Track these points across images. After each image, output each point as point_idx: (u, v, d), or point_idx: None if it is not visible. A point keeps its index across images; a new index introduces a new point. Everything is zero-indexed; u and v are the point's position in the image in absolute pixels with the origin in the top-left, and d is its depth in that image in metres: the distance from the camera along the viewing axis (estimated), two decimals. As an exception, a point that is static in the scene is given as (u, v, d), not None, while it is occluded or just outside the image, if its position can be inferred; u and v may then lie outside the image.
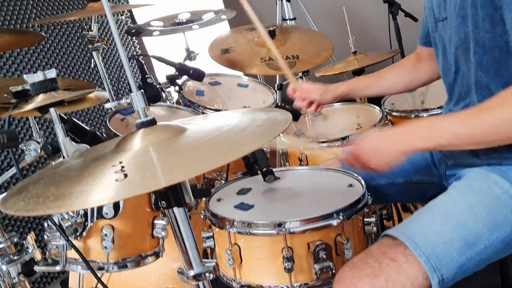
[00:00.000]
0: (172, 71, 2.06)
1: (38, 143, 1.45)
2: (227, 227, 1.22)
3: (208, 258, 1.26)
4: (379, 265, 1.08)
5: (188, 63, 2.26)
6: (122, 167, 0.84)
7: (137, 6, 2.91)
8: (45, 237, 1.27)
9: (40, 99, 1.21)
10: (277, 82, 2.82)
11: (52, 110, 1.26)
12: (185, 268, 1.02)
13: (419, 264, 1.08)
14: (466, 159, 1.27)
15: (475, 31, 1.14)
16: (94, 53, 2.32)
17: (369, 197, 1.28)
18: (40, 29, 2.70)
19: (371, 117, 1.97)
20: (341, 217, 1.18)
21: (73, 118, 1.48)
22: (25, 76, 1.23)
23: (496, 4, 1.08)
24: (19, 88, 1.37)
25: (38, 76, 1.22)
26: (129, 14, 3.28)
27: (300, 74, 2.68)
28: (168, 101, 2.14)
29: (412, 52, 1.61)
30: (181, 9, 2.48)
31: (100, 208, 1.25)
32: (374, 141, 1.21)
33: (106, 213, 1.25)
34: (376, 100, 2.02)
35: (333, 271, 1.18)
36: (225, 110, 2.07)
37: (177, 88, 2.08)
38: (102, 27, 3.02)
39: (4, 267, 1.32)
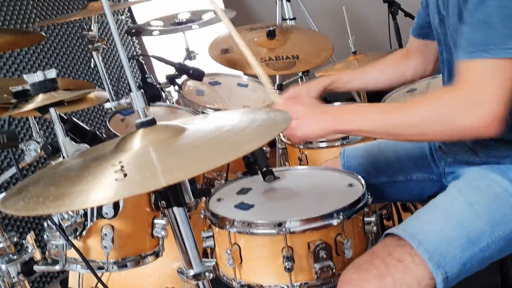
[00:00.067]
0: (172, 71, 2.06)
1: (38, 143, 1.45)
2: (227, 226, 1.22)
3: (208, 258, 1.27)
4: (386, 266, 1.08)
5: (188, 63, 2.26)
6: (122, 167, 0.84)
7: (137, 2, 2.91)
8: (45, 236, 1.27)
9: (40, 99, 1.21)
10: (277, 82, 2.82)
11: (52, 110, 1.26)
12: (185, 267, 1.02)
13: (425, 264, 1.08)
14: (465, 156, 1.27)
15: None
16: (94, 53, 2.32)
17: (369, 196, 1.28)
18: (40, 29, 2.70)
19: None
20: (341, 217, 1.18)
21: (73, 118, 1.48)
22: (25, 76, 1.23)
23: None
24: (19, 88, 1.37)
25: (38, 76, 1.22)
26: (129, 14, 3.28)
27: (300, 74, 2.69)
28: (168, 101, 2.14)
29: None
30: (181, 8, 2.49)
31: (100, 208, 1.25)
32: (303, 112, 1.24)
33: (106, 213, 1.25)
34: (377, 100, 2.02)
35: (333, 270, 1.18)
36: (225, 110, 2.07)
37: (177, 88, 2.08)
38: (102, 27, 3.02)
39: (3, 267, 1.32)
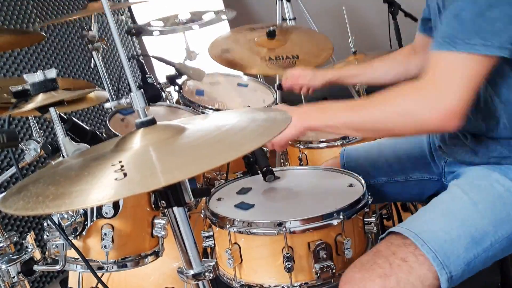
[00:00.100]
0: (172, 71, 2.06)
1: (38, 142, 1.45)
2: (227, 226, 1.22)
3: (208, 258, 1.27)
4: (390, 265, 1.07)
5: (188, 63, 2.26)
6: (122, 166, 0.84)
7: (137, 2, 2.91)
8: (45, 236, 1.27)
9: (40, 99, 1.21)
10: (277, 82, 2.82)
11: (52, 109, 1.26)
12: (185, 267, 1.01)
13: (429, 264, 1.07)
14: (465, 157, 1.27)
15: None
16: (94, 53, 2.32)
17: (369, 196, 1.28)
18: (40, 29, 2.70)
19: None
20: (341, 217, 1.18)
21: (73, 118, 1.48)
22: (25, 76, 1.23)
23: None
24: (19, 88, 1.36)
25: (38, 76, 1.22)
26: (129, 14, 3.28)
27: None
28: (168, 101, 2.14)
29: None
30: (181, 9, 2.48)
31: (99, 208, 1.25)
32: None
33: (106, 213, 1.25)
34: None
35: (333, 270, 1.18)
36: (225, 109, 2.07)
37: (177, 88, 2.08)
38: (102, 27, 3.02)
39: (3, 267, 1.32)
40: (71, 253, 1.27)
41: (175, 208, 0.97)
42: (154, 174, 0.80)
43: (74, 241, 1.25)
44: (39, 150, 1.44)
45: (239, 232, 1.22)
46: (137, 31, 2.41)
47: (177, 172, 0.80)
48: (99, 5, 2.13)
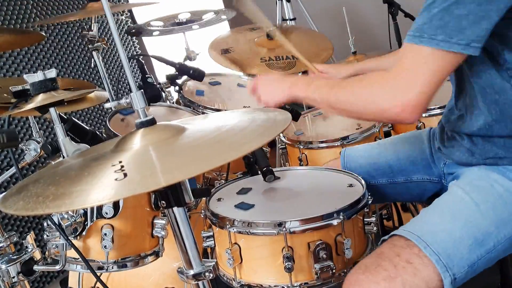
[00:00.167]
0: (172, 71, 2.06)
1: (38, 142, 1.45)
2: (227, 226, 1.22)
3: (208, 258, 1.27)
4: (395, 267, 1.07)
5: (188, 63, 2.26)
6: (122, 166, 0.84)
7: (137, 5, 2.91)
8: (45, 236, 1.27)
9: (40, 99, 1.21)
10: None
11: (52, 110, 1.26)
12: (185, 267, 1.01)
13: (433, 266, 1.07)
14: (463, 157, 1.27)
15: None
16: (94, 53, 2.32)
17: (369, 197, 1.28)
18: (40, 29, 2.70)
19: (371, 117, 1.97)
20: (341, 217, 1.18)
21: (73, 118, 1.48)
22: (25, 76, 1.23)
23: None
24: (19, 88, 1.37)
25: (38, 76, 1.22)
26: (129, 14, 3.28)
27: (300, 74, 2.68)
28: (168, 101, 2.14)
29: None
30: (181, 9, 2.48)
31: (99, 208, 1.25)
32: (269, 79, 1.44)
33: (106, 213, 1.25)
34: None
35: (333, 270, 1.18)
36: (225, 110, 2.07)
37: (177, 88, 2.08)
38: (102, 27, 3.02)
39: (3, 267, 1.32)
40: (71, 253, 1.27)
41: (175, 208, 0.97)
42: (154, 174, 0.80)
43: (74, 241, 1.25)
44: (39, 150, 1.44)
45: (239, 232, 1.22)
46: (137, 31, 2.41)
47: (177, 172, 0.80)
48: (98, 6, 2.12)
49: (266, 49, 2.18)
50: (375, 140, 1.80)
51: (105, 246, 1.25)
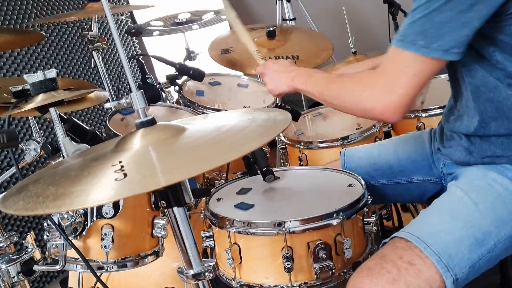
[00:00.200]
0: (172, 71, 2.06)
1: (38, 142, 1.45)
2: (227, 226, 1.22)
3: (208, 258, 1.27)
4: (398, 270, 1.07)
5: (188, 63, 2.26)
6: (122, 166, 0.84)
7: (137, 7, 2.91)
8: (45, 236, 1.27)
9: (40, 99, 1.21)
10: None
11: (52, 110, 1.26)
12: (185, 267, 1.02)
13: (435, 266, 1.07)
14: (461, 157, 1.27)
15: None
16: (94, 53, 2.32)
17: (369, 197, 1.28)
18: (40, 29, 2.70)
19: (371, 117, 1.97)
20: (341, 217, 1.18)
21: (73, 118, 1.48)
22: (25, 76, 1.23)
23: None
24: (19, 88, 1.37)
25: (38, 76, 1.22)
26: (129, 14, 3.28)
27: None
28: (168, 101, 2.14)
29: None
30: (181, 9, 2.48)
31: (99, 208, 1.25)
32: (276, 69, 1.45)
33: (106, 213, 1.25)
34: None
35: (333, 270, 1.18)
36: (225, 110, 2.07)
37: (177, 88, 2.08)
38: (102, 27, 3.02)
39: (3, 267, 1.32)
40: (71, 253, 1.27)
41: (175, 208, 0.97)
42: (154, 174, 0.80)
43: (74, 241, 1.25)
44: (39, 150, 1.44)
45: (239, 232, 1.22)
46: (137, 31, 2.41)
47: (177, 172, 0.80)
48: (99, 6, 2.12)
49: (266, 49, 2.18)
50: (375, 140, 1.80)
51: (105, 246, 1.26)
